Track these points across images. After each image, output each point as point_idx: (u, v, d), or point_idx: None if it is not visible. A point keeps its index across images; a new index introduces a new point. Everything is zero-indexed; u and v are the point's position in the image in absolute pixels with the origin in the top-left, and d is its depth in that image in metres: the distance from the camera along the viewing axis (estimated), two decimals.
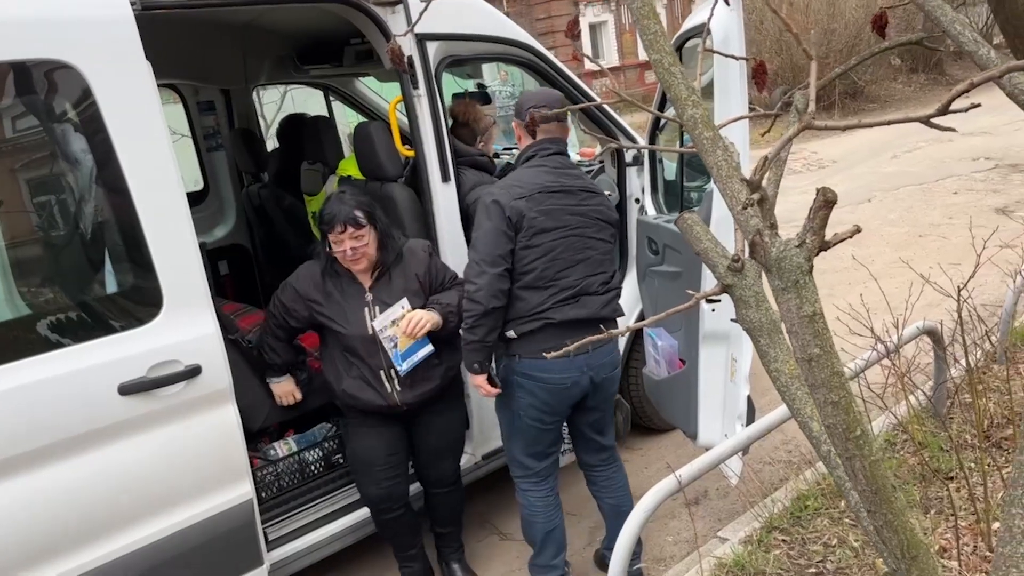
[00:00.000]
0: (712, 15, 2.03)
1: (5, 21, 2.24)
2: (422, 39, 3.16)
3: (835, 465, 1.60)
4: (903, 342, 3.18)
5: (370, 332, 2.90)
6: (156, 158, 2.49)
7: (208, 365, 2.61)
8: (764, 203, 1.37)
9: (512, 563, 3.57)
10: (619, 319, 3.06)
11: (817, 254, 1.35)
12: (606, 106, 4.02)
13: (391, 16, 3.11)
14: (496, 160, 4.17)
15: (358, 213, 2.83)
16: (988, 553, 2.67)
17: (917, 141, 11.63)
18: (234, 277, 5.00)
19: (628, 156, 4.04)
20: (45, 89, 2.45)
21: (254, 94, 5.23)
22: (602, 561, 3.30)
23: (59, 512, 2.38)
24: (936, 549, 2.79)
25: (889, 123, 1.25)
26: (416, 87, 3.18)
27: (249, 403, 3.05)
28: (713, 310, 3.19)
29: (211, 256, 4.48)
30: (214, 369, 2.63)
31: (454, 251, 3.33)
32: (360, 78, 5.14)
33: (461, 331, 2.89)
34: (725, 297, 1.54)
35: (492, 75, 12.34)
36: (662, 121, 3.93)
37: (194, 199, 4.75)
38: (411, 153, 3.39)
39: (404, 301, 2.88)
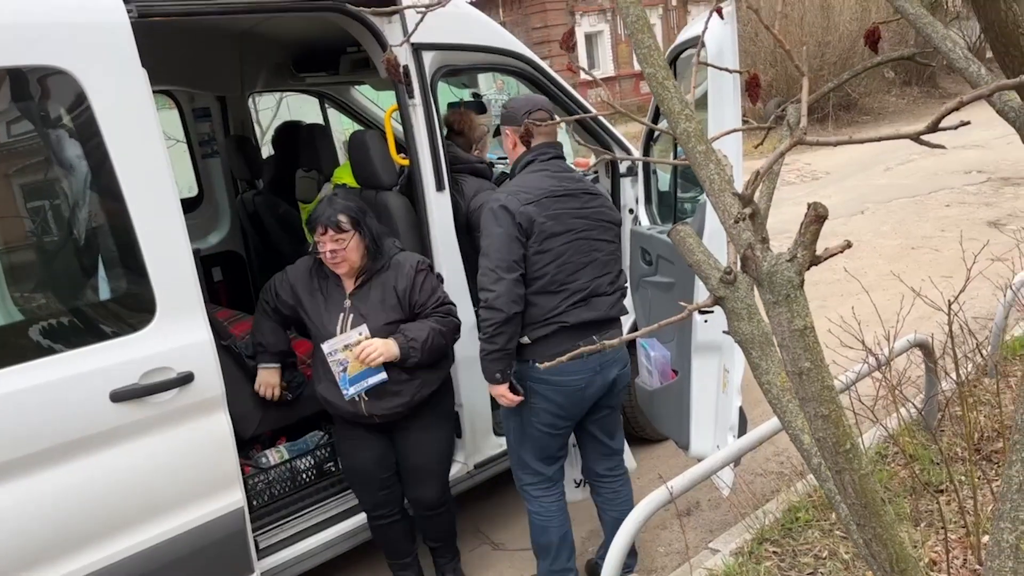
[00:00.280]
0: (707, 28, 2.05)
1: (1, 27, 2.23)
2: (418, 49, 3.17)
3: (825, 478, 1.61)
4: (894, 355, 3.19)
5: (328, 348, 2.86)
6: (151, 165, 2.49)
7: (200, 372, 2.60)
8: (756, 217, 1.38)
9: (504, 572, 3.56)
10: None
11: (808, 268, 1.36)
12: (600, 117, 4.04)
13: (388, 26, 3.12)
14: (492, 168, 4.19)
15: (341, 217, 2.83)
16: (978, 567, 2.68)
17: (910, 154, 11.70)
18: (228, 284, 4.99)
19: (622, 167, 4.06)
20: (41, 95, 2.45)
21: (250, 101, 5.24)
22: (594, 570, 3.30)
23: (49, 519, 2.37)
24: (926, 562, 2.80)
25: (880, 140, 1.26)
26: (412, 96, 3.19)
27: (241, 411, 3.04)
28: (706, 321, 3.20)
29: (205, 262, 4.47)
30: (206, 376, 2.62)
31: (448, 260, 3.33)
32: (356, 86, 5.16)
33: (480, 341, 2.84)
34: (718, 309, 1.54)
35: (488, 84, 12.37)
36: (656, 132, 3.95)
37: (188, 205, 4.76)
38: (406, 162, 3.39)
39: (364, 328, 2.84)
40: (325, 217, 2.83)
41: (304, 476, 3.40)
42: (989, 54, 1.74)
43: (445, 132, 3.62)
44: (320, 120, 5.32)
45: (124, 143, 2.42)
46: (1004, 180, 9.69)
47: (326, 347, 2.86)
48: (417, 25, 2.05)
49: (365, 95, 5.27)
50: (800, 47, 12.77)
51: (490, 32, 3.59)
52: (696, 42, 2.02)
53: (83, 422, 2.40)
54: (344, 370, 2.85)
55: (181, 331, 2.57)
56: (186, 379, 2.56)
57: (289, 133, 4.56)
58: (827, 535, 3.09)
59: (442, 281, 3.22)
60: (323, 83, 4.91)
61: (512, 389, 2.86)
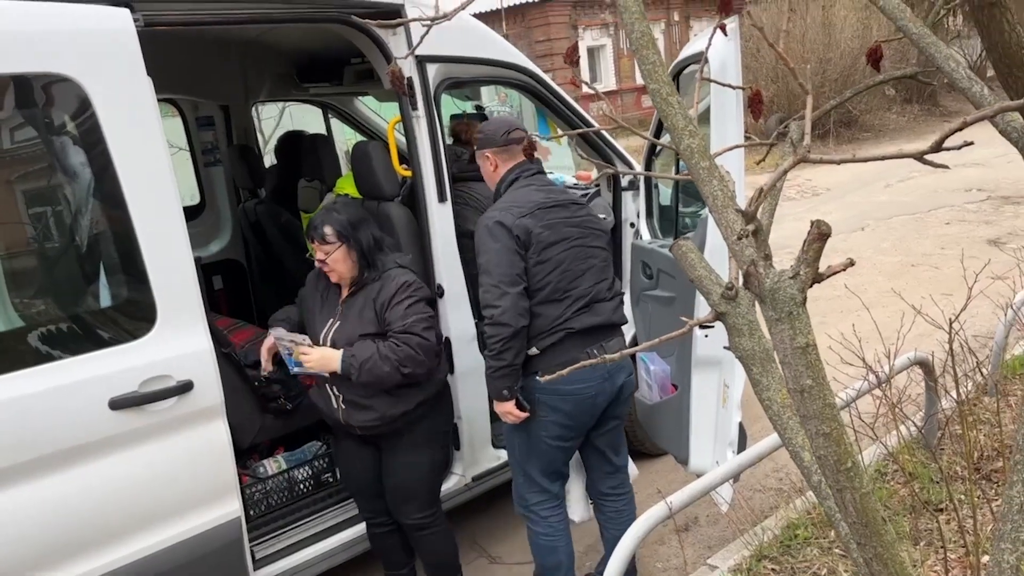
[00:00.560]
0: (710, 44, 2.05)
1: (8, 34, 2.24)
2: (422, 61, 3.19)
3: (826, 495, 1.60)
4: (894, 372, 3.19)
5: (320, 338, 2.94)
6: (154, 173, 2.49)
7: (200, 381, 2.60)
8: (759, 234, 1.38)
9: None
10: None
11: (811, 286, 1.36)
12: (603, 131, 4.05)
13: (392, 38, 3.13)
14: None
15: (326, 230, 2.86)
16: None
17: (910, 171, 11.72)
18: (228, 292, 4.99)
19: (624, 181, 4.06)
20: (46, 102, 2.46)
21: (253, 110, 5.25)
22: None
23: (46, 526, 2.36)
24: None
25: (884, 158, 1.26)
26: (415, 108, 3.20)
27: (239, 420, 3.04)
28: (706, 336, 3.20)
29: (206, 271, 4.48)
30: (206, 385, 2.62)
31: (449, 271, 3.33)
32: (359, 97, 5.17)
33: (487, 358, 2.81)
34: (718, 324, 1.54)
35: (490, 96, 12.42)
36: (658, 147, 3.96)
37: (190, 213, 4.76)
38: (408, 173, 3.40)
39: (306, 338, 2.93)
40: (312, 227, 2.91)
41: (302, 486, 3.39)
42: (990, 72, 1.75)
43: (451, 141, 3.63)
44: (323, 130, 5.33)
45: (128, 151, 2.43)
46: (1004, 199, 9.71)
47: (275, 332, 3.02)
48: (422, 38, 2.06)
49: (368, 106, 5.29)
50: (803, 64, 12.84)
51: (494, 45, 3.60)
52: (699, 58, 2.03)
53: (81, 429, 2.39)
54: (290, 354, 2.96)
55: (181, 339, 2.57)
56: (185, 387, 2.56)
57: (292, 143, 4.57)
58: (826, 553, 3.07)
59: (434, 302, 3.17)
60: (326, 93, 4.93)
61: (519, 405, 2.83)
